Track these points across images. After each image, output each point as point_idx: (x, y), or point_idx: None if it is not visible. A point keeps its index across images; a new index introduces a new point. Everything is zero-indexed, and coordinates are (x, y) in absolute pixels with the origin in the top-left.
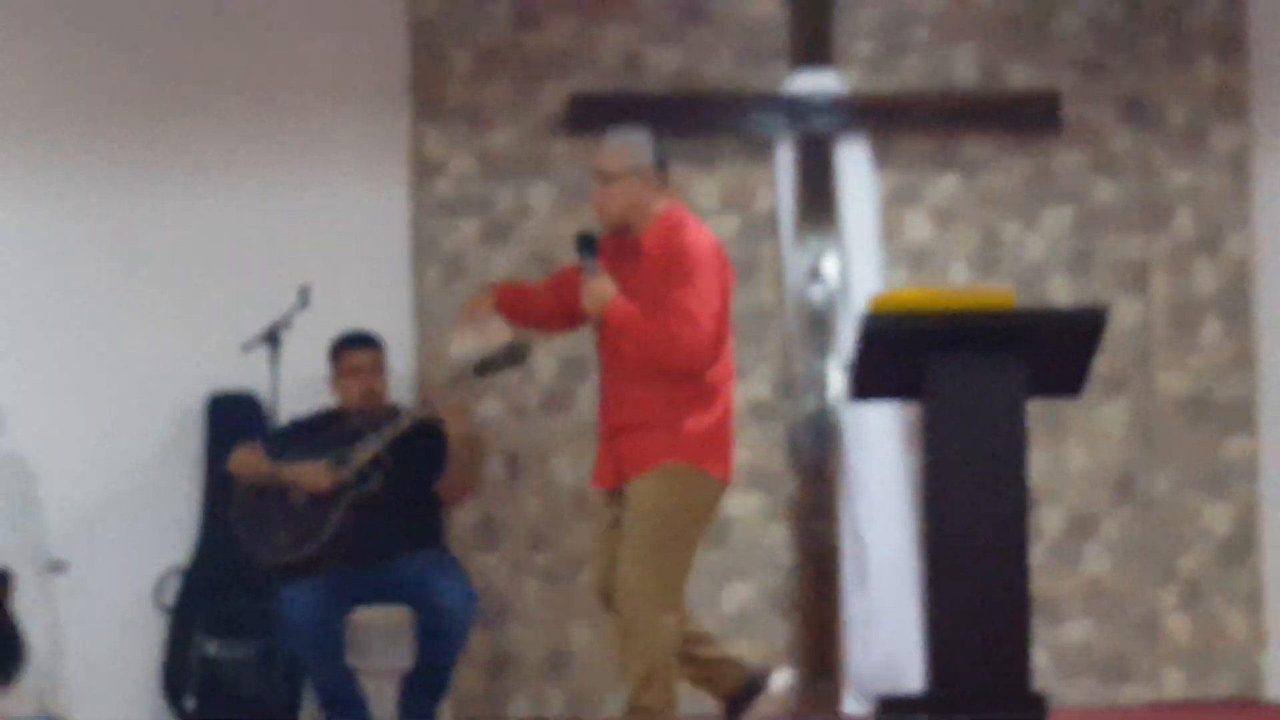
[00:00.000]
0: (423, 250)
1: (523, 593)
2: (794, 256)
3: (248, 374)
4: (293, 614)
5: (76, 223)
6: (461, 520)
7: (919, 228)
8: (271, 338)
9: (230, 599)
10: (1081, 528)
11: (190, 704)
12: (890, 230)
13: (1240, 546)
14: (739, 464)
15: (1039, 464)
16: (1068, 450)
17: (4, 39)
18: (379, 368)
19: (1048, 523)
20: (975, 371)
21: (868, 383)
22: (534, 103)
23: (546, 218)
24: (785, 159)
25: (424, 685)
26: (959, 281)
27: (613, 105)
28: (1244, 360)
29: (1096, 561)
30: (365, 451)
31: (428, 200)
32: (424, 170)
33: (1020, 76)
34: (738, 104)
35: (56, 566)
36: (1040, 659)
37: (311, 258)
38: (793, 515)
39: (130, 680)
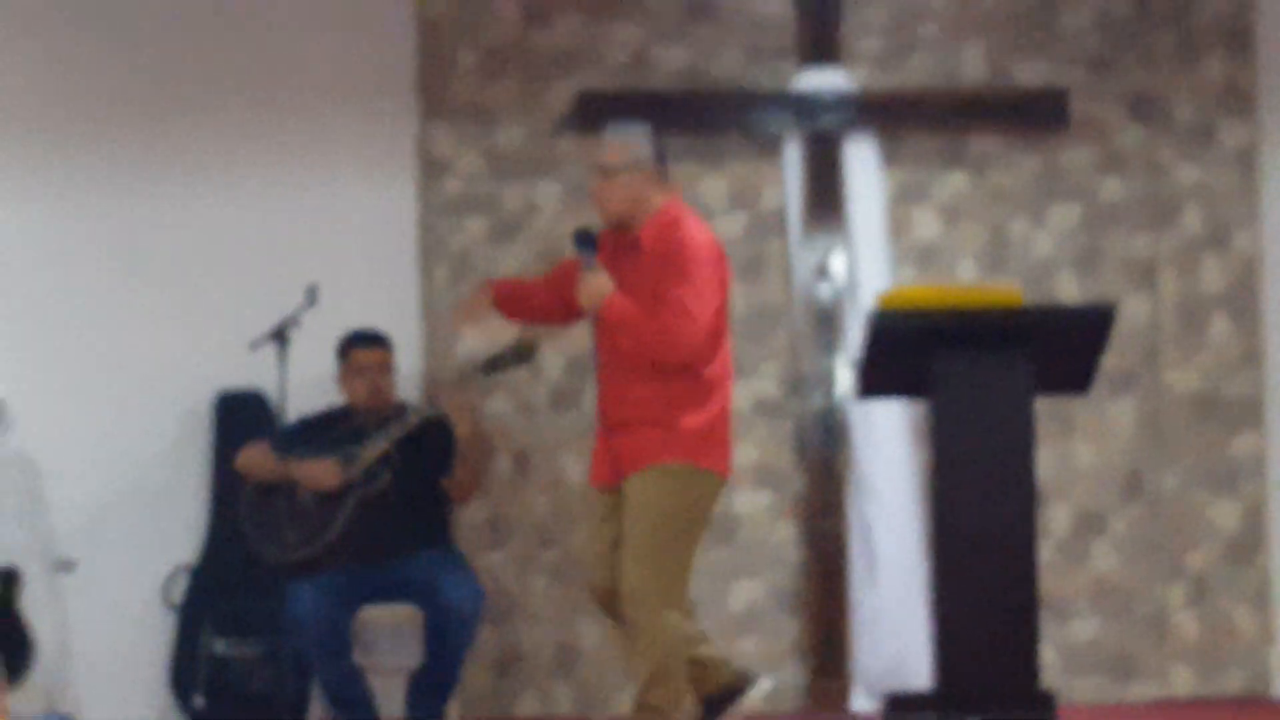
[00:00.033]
0: (430, 249)
1: (531, 591)
2: (802, 254)
3: (255, 372)
4: (300, 612)
5: (84, 222)
6: (469, 518)
7: (927, 225)
8: (279, 336)
9: (238, 597)
10: (1089, 525)
11: (198, 702)
12: (898, 227)
13: (1248, 544)
14: (747, 462)
15: (1047, 461)
16: (1075, 448)
17: (19, 39)
18: (387, 366)
19: (1055, 520)
20: (983, 369)
21: (875, 380)
22: (541, 101)
23: (554, 216)
24: (793, 156)
25: (432, 683)
26: (967, 279)
27: (620, 103)
28: (1252, 357)
29: (1104, 559)
30: (373, 450)
31: (435, 199)
32: (431, 169)
33: (1028, 74)
34: (745, 102)
35: (65, 565)
36: (1048, 656)
37: (319, 256)
38: (800, 513)
39: (138, 678)
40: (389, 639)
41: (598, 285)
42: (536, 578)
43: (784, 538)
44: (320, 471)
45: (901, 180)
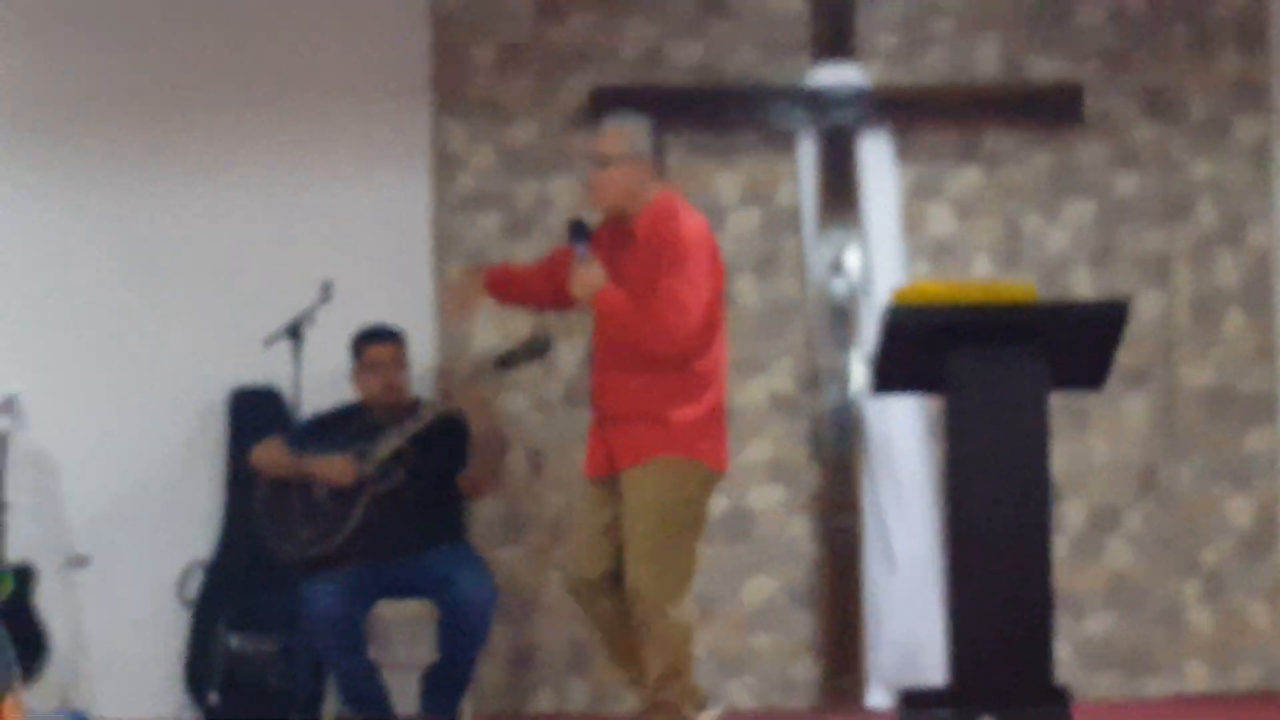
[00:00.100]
0: (444, 245)
1: (545, 587)
2: (816, 250)
3: (270, 369)
4: (315, 608)
5: (100, 220)
6: (484, 514)
7: (941, 220)
8: (294, 332)
9: (253, 593)
10: (1104, 521)
11: (213, 698)
12: (912, 223)
13: (1263, 539)
14: (761, 457)
15: (1061, 457)
16: (1090, 443)
17: (53, 36)
18: (400, 362)
19: (1070, 516)
20: (997, 364)
21: (890, 376)
22: (556, 97)
23: (568, 212)
24: (807, 152)
25: (446, 679)
26: (981, 274)
27: (635, 99)
28: (1266, 352)
29: (1119, 554)
30: (388, 446)
31: (449, 195)
32: (446, 165)
33: (1042, 69)
34: (760, 97)
35: (79, 561)
36: (1063, 652)
37: (333, 252)
38: (815, 509)
39: (153, 674)
40: (404, 635)
41: (590, 276)
42: (551, 574)
43: (799, 533)
44: (335, 468)
45: (916, 176)
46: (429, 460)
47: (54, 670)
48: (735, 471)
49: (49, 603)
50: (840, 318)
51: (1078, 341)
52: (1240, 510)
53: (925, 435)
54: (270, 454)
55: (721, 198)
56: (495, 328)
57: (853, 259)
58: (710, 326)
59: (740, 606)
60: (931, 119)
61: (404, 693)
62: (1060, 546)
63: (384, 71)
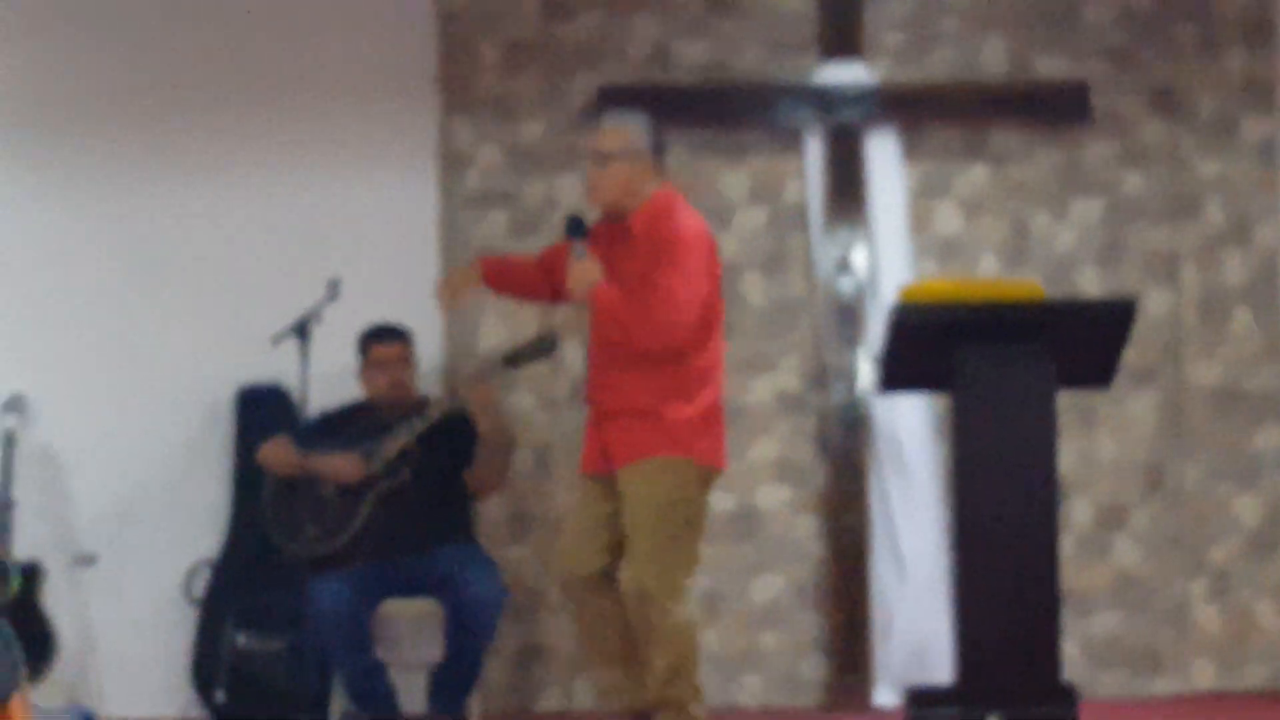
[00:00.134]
0: (452, 243)
1: (552, 585)
2: (823, 248)
3: (277, 367)
4: (322, 607)
5: (107, 218)
6: (491, 513)
7: (948, 219)
8: (301, 331)
9: (260, 592)
10: (1111, 519)
11: (220, 696)
12: (919, 221)
13: (1270, 537)
14: (768, 456)
15: (1068, 455)
16: (1097, 441)
17: (52, 34)
18: (407, 360)
19: (1077, 514)
20: (1005, 363)
21: (897, 374)
22: (563, 95)
23: (577, 210)
24: (814, 150)
25: (453, 678)
26: (988, 273)
27: (642, 97)
28: (1274, 351)
29: (1126, 553)
30: (394, 444)
31: (457, 193)
32: (453, 163)
33: (1049, 67)
34: (767, 95)
35: (86, 560)
36: (1070, 651)
37: (340, 251)
38: (822, 507)
39: (160, 673)
40: (410, 633)
41: (586, 273)
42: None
43: (806, 532)
44: (342, 466)
45: (923, 174)
46: (436, 459)
47: (61, 668)
48: (742, 470)
49: (56, 601)
50: (847, 316)
51: (1085, 340)
52: (1247, 509)
53: (932, 434)
54: (277, 452)
55: (728, 196)
56: (502, 326)
57: (859, 257)
58: (707, 324)
59: (747, 605)
60: (938, 117)
61: (411, 691)
62: (1067, 545)
63: (390, 70)
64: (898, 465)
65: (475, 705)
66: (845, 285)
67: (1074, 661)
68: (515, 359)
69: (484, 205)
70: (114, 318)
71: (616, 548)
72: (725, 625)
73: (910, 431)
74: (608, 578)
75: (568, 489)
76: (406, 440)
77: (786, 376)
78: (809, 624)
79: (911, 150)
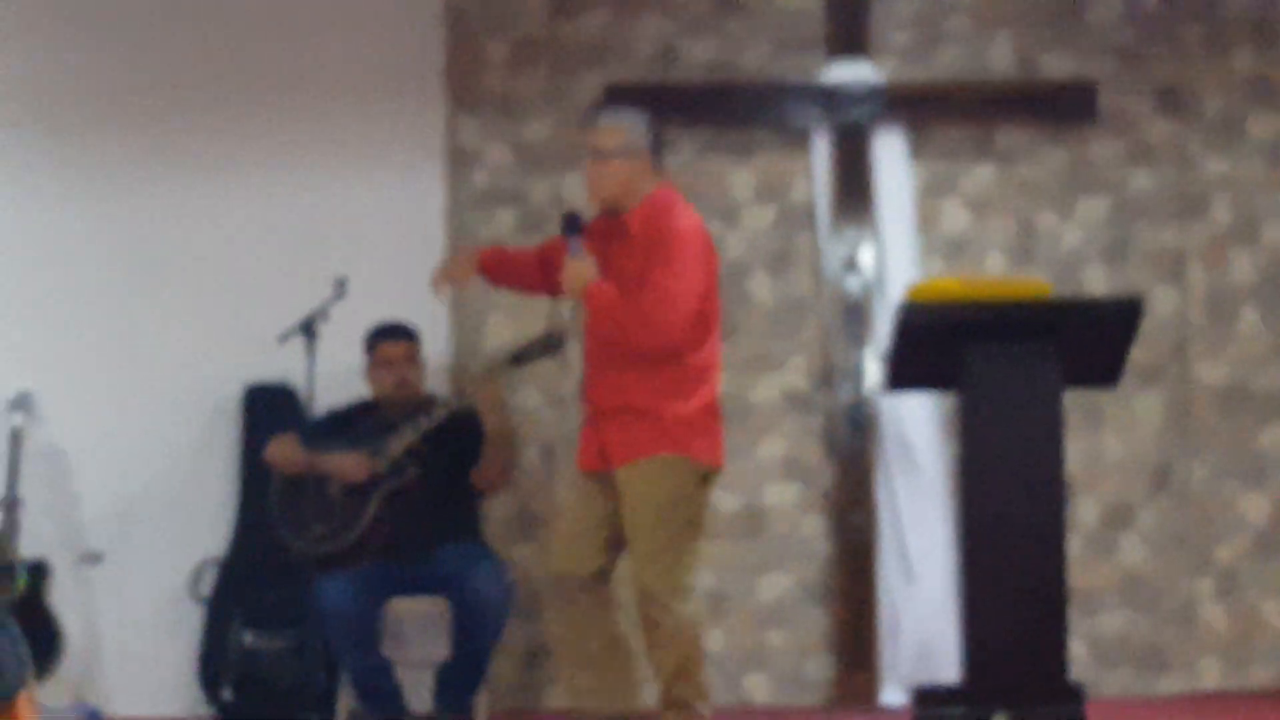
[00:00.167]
0: (459, 241)
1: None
2: (830, 247)
3: (284, 365)
4: (329, 605)
5: (114, 217)
6: (498, 511)
7: (955, 218)
8: (308, 329)
9: (267, 590)
10: (1118, 518)
11: (227, 694)
12: (926, 220)
13: (1277, 536)
14: (775, 455)
15: (1075, 454)
16: (1104, 440)
17: (64, 33)
18: (413, 359)
19: (1084, 513)
20: (1012, 361)
21: (904, 373)
22: (570, 93)
23: (582, 209)
24: (821, 149)
25: (460, 676)
26: (995, 271)
27: (648, 96)
28: None
29: (1133, 552)
30: (401, 443)
31: (463, 191)
32: (460, 161)
33: (1056, 66)
34: (774, 94)
35: (93, 558)
36: (1077, 649)
37: (348, 249)
38: (829, 506)
39: (167, 671)
40: (417, 631)
41: (581, 271)
42: None
43: (813, 531)
44: (349, 464)
45: (930, 173)
46: (442, 457)
47: (68, 666)
48: (749, 469)
49: (63, 599)
50: (854, 315)
51: (1092, 339)
52: (1254, 508)
53: (939, 433)
54: (284, 451)
55: (735, 194)
56: (509, 325)
57: (866, 256)
58: (704, 323)
59: (754, 603)
60: (945, 116)
61: (418, 689)
62: (1074, 544)
63: (398, 68)
64: (904, 464)
65: (482, 703)
66: (852, 284)
67: (1081, 660)
68: (522, 357)
69: (491, 203)
70: (121, 316)
71: (613, 547)
72: (731, 624)
73: (917, 430)
74: (603, 578)
75: (574, 487)
76: (413, 439)
77: (793, 375)
78: (815, 623)
79: (918, 149)
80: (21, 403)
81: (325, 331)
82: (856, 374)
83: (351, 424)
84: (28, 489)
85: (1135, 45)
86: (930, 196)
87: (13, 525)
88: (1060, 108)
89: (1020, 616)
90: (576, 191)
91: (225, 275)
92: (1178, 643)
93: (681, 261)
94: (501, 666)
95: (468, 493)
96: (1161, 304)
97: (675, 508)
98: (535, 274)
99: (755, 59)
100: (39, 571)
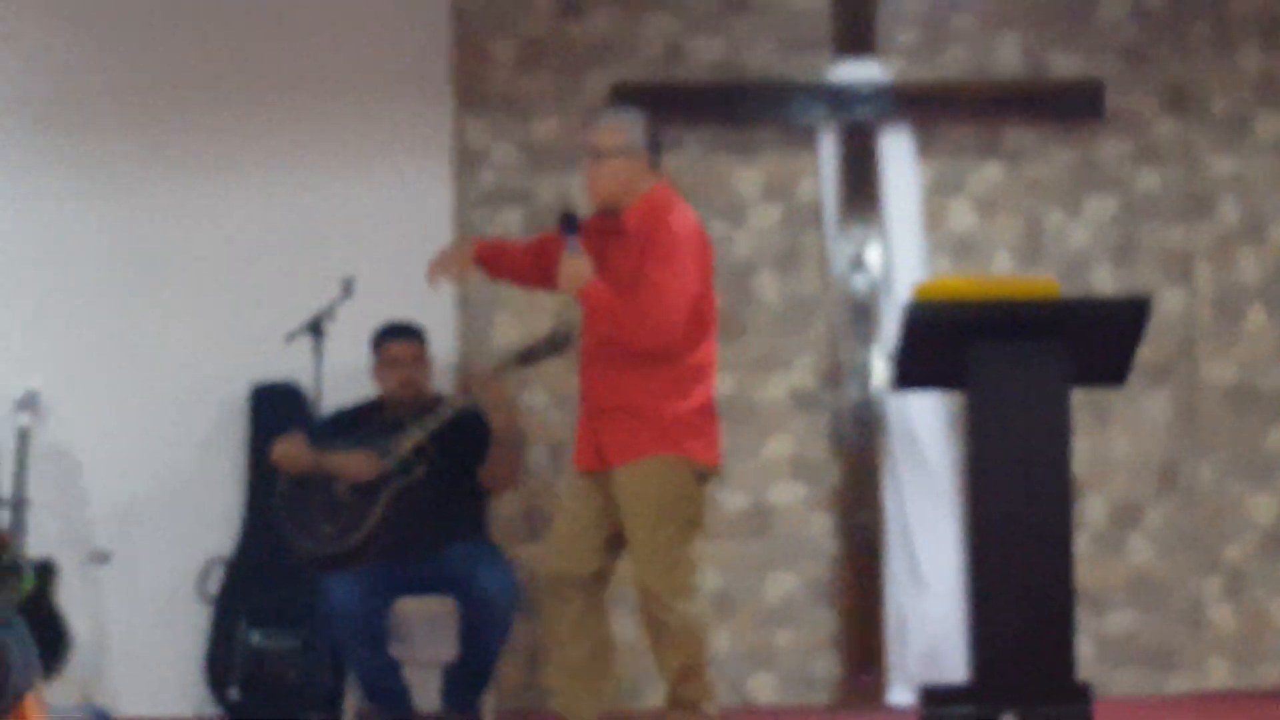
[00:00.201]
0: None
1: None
2: (837, 246)
3: (291, 365)
4: (336, 604)
5: (122, 215)
6: (505, 510)
7: (962, 217)
8: (315, 329)
9: (274, 589)
10: (1125, 517)
11: (234, 694)
12: (933, 219)
13: None
14: (783, 453)
15: (1082, 453)
16: (1111, 440)
17: (72, 30)
18: (419, 358)
19: (1091, 512)
20: (1019, 361)
21: (911, 372)
22: (577, 93)
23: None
24: (828, 148)
25: (467, 675)
26: (1002, 270)
27: (655, 95)
28: None
29: (1140, 551)
30: (408, 442)
31: (471, 191)
32: (467, 161)
33: (1063, 65)
34: (781, 93)
35: (100, 557)
36: (1084, 649)
37: (355, 249)
38: (836, 505)
39: (174, 670)
40: (425, 631)
41: (577, 270)
42: None
43: (820, 530)
44: (356, 464)
45: (937, 172)
46: (450, 456)
47: (75, 666)
48: (756, 467)
49: (70, 599)
50: (861, 313)
51: (1099, 338)
52: (1262, 507)
53: (946, 432)
54: (291, 450)
55: (742, 193)
56: (516, 324)
57: (874, 255)
58: (699, 322)
59: (761, 602)
60: (952, 115)
61: (425, 689)
62: (1081, 543)
63: (405, 68)
64: (912, 463)
65: (489, 702)
66: (859, 283)
67: (1088, 660)
68: (529, 356)
69: (498, 203)
70: (128, 316)
71: (612, 548)
72: (739, 623)
73: (924, 429)
74: (601, 579)
75: (571, 487)
76: (420, 438)
77: (801, 374)
78: (823, 622)
79: (925, 148)
80: (29, 402)
81: (332, 331)
82: (864, 373)
83: (358, 424)
84: (35, 488)
85: (1143, 44)
86: (937, 195)
87: (20, 525)
88: (1067, 107)
89: (1028, 616)
90: (583, 191)
91: (232, 275)
92: (1186, 642)
93: (678, 260)
94: (508, 666)
95: (475, 492)
96: (1169, 303)
97: (674, 507)
98: (531, 266)
99: (762, 58)
100: (46, 571)
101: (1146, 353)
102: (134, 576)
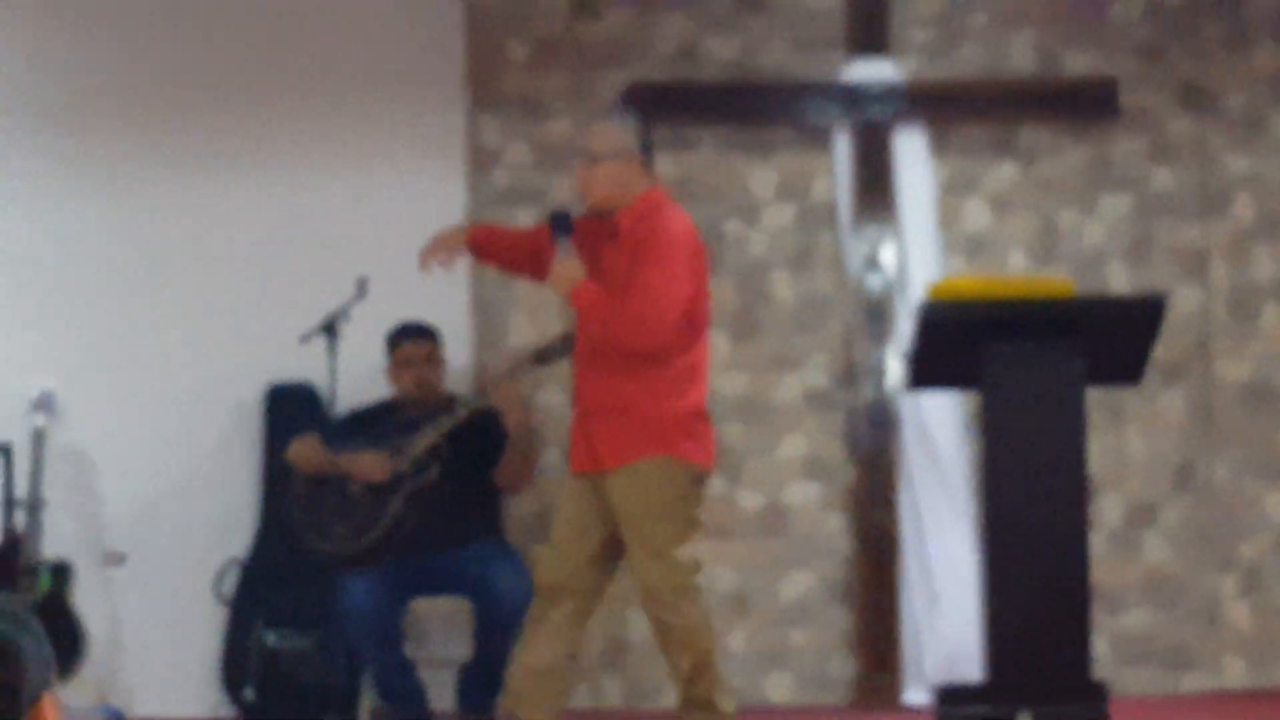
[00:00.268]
0: None
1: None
2: (852, 245)
3: (306, 365)
4: (351, 605)
5: (137, 215)
6: (519, 510)
7: (977, 216)
8: (329, 329)
9: (289, 590)
10: (1141, 516)
11: (249, 695)
12: (948, 218)
13: None
14: (797, 453)
15: (1098, 452)
16: (1127, 438)
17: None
18: (433, 358)
19: (1107, 511)
20: (1034, 360)
21: (926, 371)
22: (591, 92)
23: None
24: (842, 148)
25: (483, 675)
26: (1017, 269)
27: (669, 95)
28: None
29: (1156, 550)
30: (423, 442)
31: (485, 190)
32: (481, 160)
33: (1078, 63)
34: (795, 93)
35: (115, 558)
36: (1100, 648)
37: (369, 248)
38: (851, 505)
39: (190, 671)
40: (440, 631)
41: (568, 271)
42: None
43: (835, 529)
44: (370, 464)
45: (951, 171)
46: (464, 456)
47: (91, 667)
48: (770, 467)
49: (86, 600)
50: (876, 313)
51: (1114, 336)
52: (1277, 505)
53: (961, 431)
54: (306, 451)
55: (756, 193)
56: (530, 324)
57: (888, 254)
58: (693, 324)
59: (776, 603)
60: (966, 114)
61: (440, 688)
62: (1097, 542)
63: (419, 67)
64: (926, 463)
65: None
66: (874, 282)
67: (1104, 658)
68: (543, 356)
69: (512, 202)
70: (143, 316)
71: (608, 555)
72: (754, 623)
73: (939, 429)
74: (594, 594)
75: (565, 490)
76: (435, 438)
77: (815, 374)
78: (838, 621)
79: (940, 147)
80: (44, 403)
81: (347, 331)
82: (878, 372)
83: (373, 424)
84: (50, 490)
85: (1157, 42)
86: (951, 194)
87: (35, 526)
88: (1082, 105)
89: (1043, 615)
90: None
91: (247, 275)
92: (1201, 641)
93: (670, 262)
94: None
95: (489, 492)
96: (1184, 301)
97: (670, 508)
98: (522, 256)
99: (776, 57)
100: (62, 572)
101: (1161, 351)
102: (149, 577)
